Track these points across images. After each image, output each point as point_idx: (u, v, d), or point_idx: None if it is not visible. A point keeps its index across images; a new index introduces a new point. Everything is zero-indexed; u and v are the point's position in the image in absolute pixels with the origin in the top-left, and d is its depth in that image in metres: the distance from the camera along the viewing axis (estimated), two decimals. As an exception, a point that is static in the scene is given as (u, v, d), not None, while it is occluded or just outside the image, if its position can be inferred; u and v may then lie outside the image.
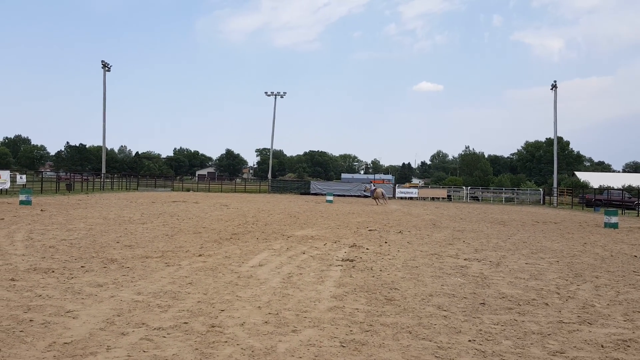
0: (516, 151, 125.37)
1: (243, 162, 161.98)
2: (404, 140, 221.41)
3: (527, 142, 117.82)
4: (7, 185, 36.13)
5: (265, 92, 67.53)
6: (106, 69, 56.11)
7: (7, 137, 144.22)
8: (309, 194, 56.52)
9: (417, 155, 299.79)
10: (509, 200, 55.16)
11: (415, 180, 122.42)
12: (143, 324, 5.38)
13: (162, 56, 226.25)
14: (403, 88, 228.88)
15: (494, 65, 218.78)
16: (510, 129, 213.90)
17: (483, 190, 61.73)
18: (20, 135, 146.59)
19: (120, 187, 58.08)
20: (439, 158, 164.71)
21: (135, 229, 14.90)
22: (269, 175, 68.82)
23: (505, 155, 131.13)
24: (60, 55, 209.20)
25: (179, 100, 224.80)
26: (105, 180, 56.20)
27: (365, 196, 46.03)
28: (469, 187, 59.88)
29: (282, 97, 66.83)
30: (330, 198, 37.84)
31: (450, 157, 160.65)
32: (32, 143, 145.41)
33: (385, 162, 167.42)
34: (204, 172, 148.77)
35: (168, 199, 34.85)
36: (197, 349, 4.64)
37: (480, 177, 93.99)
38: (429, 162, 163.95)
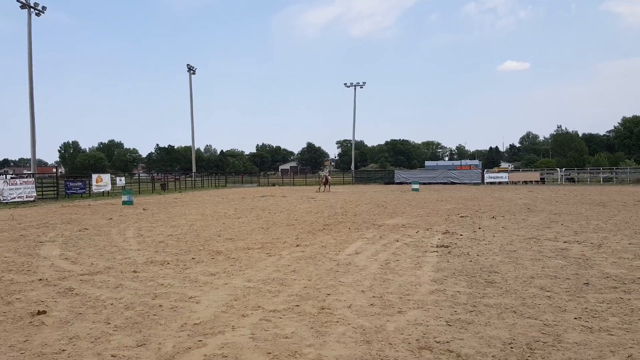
0: (613, 128, 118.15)
1: (324, 155, 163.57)
2: (490, 123, 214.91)
3: (624, 117, 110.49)
4: (109, 188, 38.72)
5: (345, 84, 68.05)
6: (191, 72, 58.64)
7: (101, 143, 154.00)
8: (393, 183, 56.41)
9: (505, 138, 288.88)
10: (607, 181, 52.37)
11: (504, 164, 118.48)
12: (259, 307, 5.83)
13: (239, 55, 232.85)
14: (487, 69, 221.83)
15: (583, 38, 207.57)
16: (605, 105, 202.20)
17: (579, 171, 58.93)
18: (113, 140, 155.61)
19: (209, 184, 60.58)
20: (529, 140, 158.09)
21: (232, 223, 15.68)
22: (352, 167, 69.26)
23: (601, 133, 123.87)
24: (147, 61, 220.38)
25: (259, 97, 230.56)
26: (195, 179, 58.83)
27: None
28: (564, 169, 57.26)
29: (361, 87, 67.08)
30: (416, 186, 37.64)
31: (541, 138, 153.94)
32: (124, 147, 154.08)
33: (470, 147, 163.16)
34: (286, 166, 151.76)
35: (256, 194, 36.03)
36: (312, 327, 5.01)
37: (574, 157, 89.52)
38: (518, 145, 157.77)
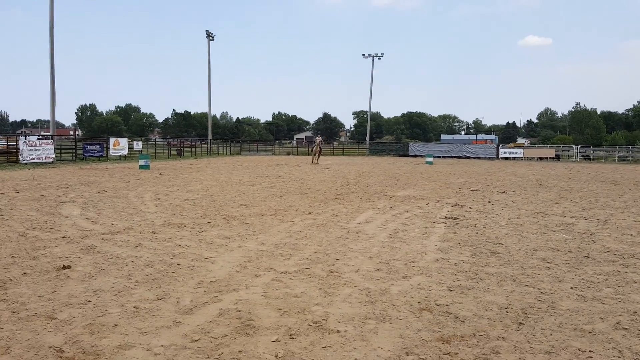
0: (632, 107, 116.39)
1: (340, 126, 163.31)
2: (509, 98, 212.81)
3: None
4: (126, 152, 39.31)
5: (363, 54, 67.68)
6: (210, 38, 58.56)
7: (118, 106, 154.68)
8: (407, 155, 56.43)
9: (523, 114, 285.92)
10: (623, 159, 51.97)
11: (520, 140, 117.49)
12: (271, 268, 6.15)
13: (259, 22, 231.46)
14: (508, 43, 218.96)
15: (606, 16, 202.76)
16: (625, 84, 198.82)
17: (595, 149, 58.44)
18: (130, 104, 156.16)
19: (225, 151, 61.03)
20: (547, 116, 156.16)
21: (247, 190, 16.01)
22: (367, 138, 69.27)
23: (620, 112, 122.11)
24: (166, 26, 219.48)
25: (277, 66, 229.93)
26: (211, 145, 59.27)
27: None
28: (579, 146, 56.80)
29: (379, 58, 66.69)
30: (430, 159, 37.72)
31: (559, 114, 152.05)
32: (141, 111, 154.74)
33: (487, 122, 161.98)
34: (301, 136, 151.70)
35: (271, 163, 36.35)
36: (320, 288, 5.32)
37: (591, 135, 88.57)
38: (535, 121, 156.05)
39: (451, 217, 10.50)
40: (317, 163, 34.64)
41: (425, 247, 7.58)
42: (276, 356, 3.66)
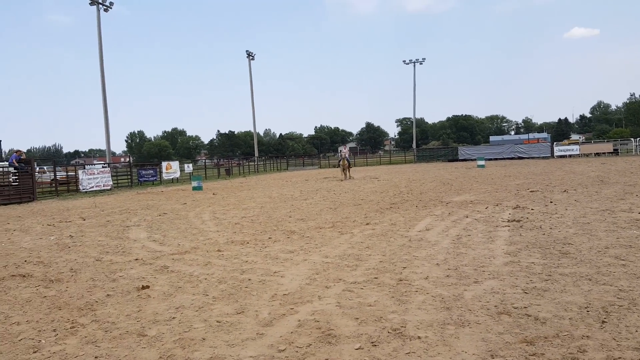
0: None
1: (384, 134, 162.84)
2: (558, 94, 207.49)
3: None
4: (178, 175, 40.34)
5: (403, 61, 67.55)
6: (250, 57, 59.73)
7: (165, 131, 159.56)
8: (457, 160, 55.69)
9: (575, 109, 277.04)
10: (684, 151, 49.73)
11: (574, 136, 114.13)
12: (340, 279, 6.25)
13: (294, 38, 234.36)
14: (553, 37, 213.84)
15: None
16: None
17: (654, 141, 56.06)
18: (176, 128, 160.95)
19: (271, 168, 61.78)
20: (600, 109, 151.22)
21: (300, 204, 16.20)
22: (414, 145, 68.80)
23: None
24: (203, 50, 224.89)
25: (316, 79, 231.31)
26: (258, 163, 60.15)
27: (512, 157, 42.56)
28: (638, 139, 54.57)
29: (421, 63, 66.40)
30: (481, 162, 37.09)
31: (613, 107, 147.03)
32: (187, 134, 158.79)
33: (538, 120, 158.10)
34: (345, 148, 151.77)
35: (319, 176, 36.60)
36: (393, 297, 5.38)
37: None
38: (588, 115, 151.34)
39: (514, 220, 10.35)
40: (351, 177, 30.56)
41: (492, 251, 7.52)
42: (362, 363, 3.74)
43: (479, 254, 7.32)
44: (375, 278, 6.22)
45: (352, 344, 4.11)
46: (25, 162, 25.13)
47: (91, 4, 39.14)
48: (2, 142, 27.89)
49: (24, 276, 7.34)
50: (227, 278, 6.65)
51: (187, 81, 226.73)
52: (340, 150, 32.60)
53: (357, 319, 4.72)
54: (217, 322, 4.84)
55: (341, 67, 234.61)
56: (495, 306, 4.89)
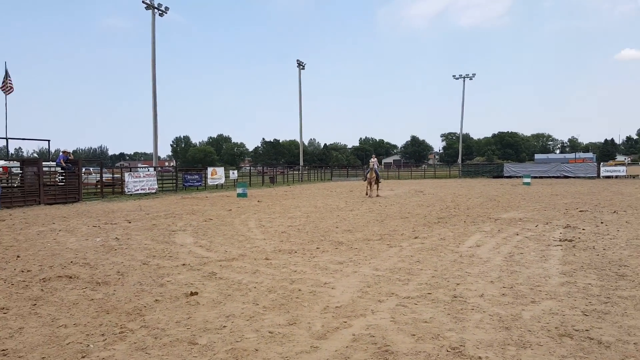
0: None
1: (428, 148, 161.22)
2: (606, 114, 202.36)
3: None
4: (222, 181, 40.74)
5: (453, 75, 66.78)
6: (301, 67, 60.16)
7: (210, 137, 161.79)
8: (502, 176, 54.57)
9: (622, 130, 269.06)
10: None
11: (619, 157, 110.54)
12: (392, 294, 6.11)
13: (344, 50, 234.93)
14: (603, 57, 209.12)
15: None
16: None
17: None
18: (222, 135, 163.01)
19: (315, 178, 61.84)
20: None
21: (346, 215, 16.10)
22: (459, 160, 67.84)
23: None
24: (249, 57, 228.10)
25: (363, 90, 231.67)
26: (302, 172, 60.32)
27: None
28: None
29: (471, 79, 65.62)
30: (527, 180, 36.25)
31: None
32: (232, 141, 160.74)
33: (583, 140, 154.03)
34: (389, 160, 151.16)
35: (364, 188, 36.37)
36: (449, 314, 5.21)
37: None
38: (635, 137, 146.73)
39: (566, 240, 10.00)
40: (377, 195, 26.08)
41: (547, 270, 7.25)
42: (422, 383, 3.61)
43: (534, 273, 7.06)
44: (429, 294, 6.06)
45: (410, 362, 3.98)
46: (73, 162, 25.77)
47: (147, 8, 40.15)
48: (50, 142, 28.42)
49: (71, 277, 7.45)
50: (277, 287, 6.60)
51: (234, 88, 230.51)
52: (369, 162, 26.33)
53: (414, 335, 4.58)
54: (270, 332, 4.78)
55: (388, 79, 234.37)
56: (555, 328, 4.68)
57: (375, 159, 26.74)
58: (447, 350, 4.19)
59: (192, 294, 6.32)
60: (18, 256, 9.27)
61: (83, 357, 4.31)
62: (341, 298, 5.96)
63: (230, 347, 4.41)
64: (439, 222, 13.66)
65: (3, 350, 4.46)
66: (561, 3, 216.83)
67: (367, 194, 25.92)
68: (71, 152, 27.92)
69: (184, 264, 8.36)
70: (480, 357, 4.01)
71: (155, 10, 40.72)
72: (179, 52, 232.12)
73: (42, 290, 6.68)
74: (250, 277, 7.30)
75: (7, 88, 29.60)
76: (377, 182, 26.08)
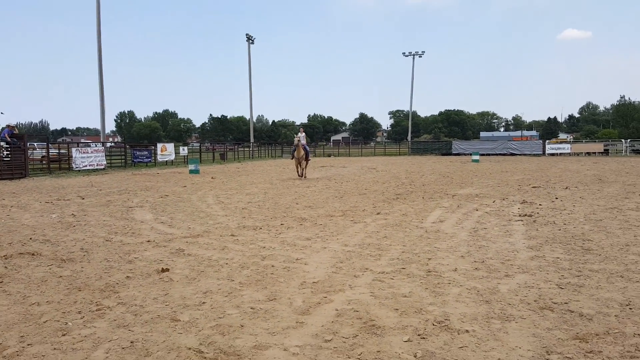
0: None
1: (377, 126, 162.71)
2: (549, 93, 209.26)
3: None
4: (172, 157, 39.93)
5: (403, 53, 67.44)
6: (250, 41, 59.20)
7: (156, 112, 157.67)
8: (450, 154, 55.75)
9: (564, 109, 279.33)
10: (675, 153, 50.13)
11: (562, 136, 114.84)
12: (366, 269, 6.13)
13: (292, 25, 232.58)
14: (546, 37, 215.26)
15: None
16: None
17: (644, 143, 56.42)
18: (168, 110, 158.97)
19: (266, 154, 61.44)
20: (589, 110, 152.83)
21: (304, 192, 16.06)
22: (409, 137, 68.81)
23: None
24: (197, 32, 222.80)
25: (311, 67, 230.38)
26: (253, 149, 59.80)
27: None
28: (629, 140, 54.88)
29: (420, 56, 66.39)
30: (476, 157, 37.12)
31: (601, 108, 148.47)
32: (179, 117, 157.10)
33: (527, 118, 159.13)
34: (338, 137, 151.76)
35: (315, 165, 36.39)
36: (427, 288, 5.27)
37: (637, 128, 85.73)
38: (577, 116, 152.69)
39: (525, 215, 10.30)
40: (304, 175, 22.49)
41: (513, 245, 7.45)
42: (415, 356, 3.63)
43: (501, 248, 7.24)
44: (403, 268, 6.11)
45: (399, 335, 4.00)
46: (18, 137, 24.66)
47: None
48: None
49: (33, 254, 7.13)
50: (249, 264, 6.51)
51: (180, 62, 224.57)
52: (295, 137, 22.15)
53: (397, 310, 4.60)
54: (251, 308, 4.71)
55: (336, 57, 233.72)
56: (535, 301, 4.80)
57: (303, 133, 22.80)
58: (433, 324, 4.23)
59: (163, 270, 6.15)
60: (-30, 233, 8.80)
61: (63, 334, 4.13)
62: (316, 274, 5.93)
63: (215, 324, 4.31)
64: (398, 198, 13.82)
65: (-25, 330, 4.21)
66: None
67: (299, 175, 22.44)
68: (16, 126, 26.60)
69: (148, 241, 8.14)
70: (467, 331, 4.07)
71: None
72: (122, 24, 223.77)
73: (5, 267, 6.36)
74: (219, 253, 7.17)
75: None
76: (307, 159, 22.44)
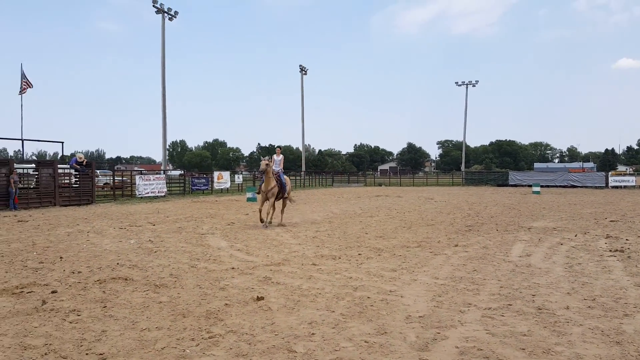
0: None
1: (425, 155, 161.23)
2: (605, 123, 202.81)
3: None
4: (228, 185, 40.49)
5: (456, 82, 66.91)
6: (303, 72, 59.90)
7: (206, 142, 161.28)
8: (506, 185, 54.40)
9: (622, 140, 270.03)
10: None
11: (621, 168, 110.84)
12: (469, 304, 5.86)
13: (339, 56, 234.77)
14: (600, 67, 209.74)
15: None
16: None
17: None
18: (217, 139, 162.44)
19: (317, 183, 61.61)
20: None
21: (369, 221, 15.86)
22: (462, 167, 67.78)
23: None
24: (246, 63, 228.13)
25: (358, 97, 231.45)
26: (304, 177, 60.07)
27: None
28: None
29: (474, 85, 65.69)
30: (537, 189, 36.03)
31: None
32: (228, 146, 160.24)
33: (583, 149, 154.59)
34: (385, 167, 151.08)
35: (369, 194, 36.19)
36: (545, 327, 4.97)
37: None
38: (636, 147, 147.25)
39: (617, 250, 9.79)
40: (279, 221, 15.09)
41: (618, 282, 7.02)
42: (565, 402, 3.36)
43: (606, 285, 6.83)
44: (510, 305, 5.81)
45: (537, 378, 3.74)
46: (87, 165, 25.51)
47: (157, 12, 39.87)
48: (64, 144, 28.18)
49: (126, 279, 7.20)
50: (342, 294, 6.35)
51: (229, 93, 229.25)
52: (262, 161, 14.62)
53: (523, 349, 4.32)
54: (365, 342, 4.53)
55: (384, 87, 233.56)
56: (671, 345, 4.45)
57: (280, 156, 15.45)
58: (569, 366, 3.94)
59: (259, 298, 6.07)
60: (61, 257, 9.00)
61: (186, 363, 4.05)
62: (418, 307, 5.71)
63: (335, 357, 4.15)
64: (470, 230, 13.44)
65: (100, 354, 4.19)
66: (555, 12, 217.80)
67: (261, 220, 14.60)
68: (83, 155, 27.58)
69: (232, 268, 8.12)
70: (610, 374, 3.77)
71: (165, 14, 40.45)
72: (174, 56, 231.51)
73: (103, 292, 6.41)
74: (307, 282, 7.05)
75: (23, 90, 29.49)
76: (282, 196, 15.33)
